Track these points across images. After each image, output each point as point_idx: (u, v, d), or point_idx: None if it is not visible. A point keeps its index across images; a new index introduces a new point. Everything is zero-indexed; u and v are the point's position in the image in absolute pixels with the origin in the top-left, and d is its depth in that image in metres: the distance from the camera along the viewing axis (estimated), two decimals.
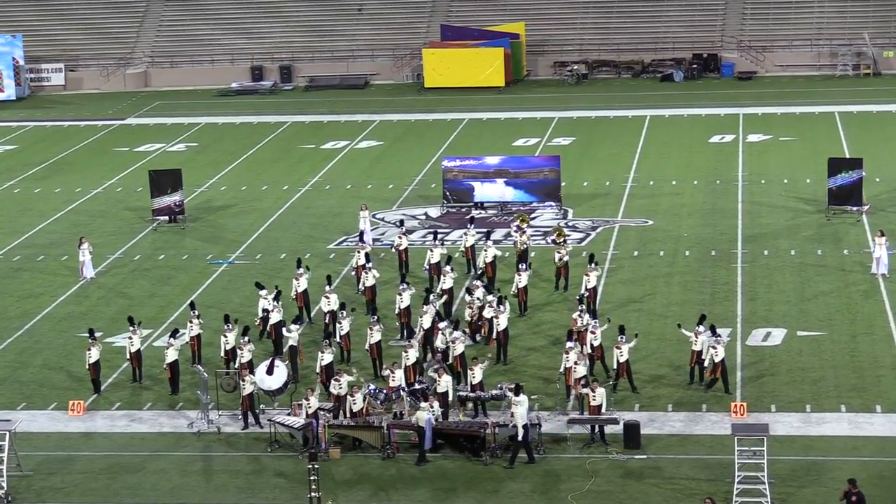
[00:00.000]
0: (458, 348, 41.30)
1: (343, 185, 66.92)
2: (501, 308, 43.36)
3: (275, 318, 44.26)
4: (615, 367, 40.51)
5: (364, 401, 38.47)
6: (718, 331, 41.09)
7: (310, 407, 37.89)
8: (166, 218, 60.90)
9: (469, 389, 39.37)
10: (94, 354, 41.94)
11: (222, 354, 42.71)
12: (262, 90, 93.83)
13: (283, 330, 43.18)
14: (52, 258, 56.65)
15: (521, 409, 36.62)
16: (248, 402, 39.38)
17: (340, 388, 38.67)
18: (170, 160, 72.08)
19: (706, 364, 40.39)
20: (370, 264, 48.17)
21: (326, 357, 41.05)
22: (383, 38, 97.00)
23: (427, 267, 50.12)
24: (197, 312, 44.37)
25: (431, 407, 37.50)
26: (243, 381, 39.31)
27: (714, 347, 40.08)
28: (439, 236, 52.59)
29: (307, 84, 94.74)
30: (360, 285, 48.07)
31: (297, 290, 47.22)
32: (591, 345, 41.30)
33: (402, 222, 54.86)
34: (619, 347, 40.33)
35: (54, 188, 68.69)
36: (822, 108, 79.78)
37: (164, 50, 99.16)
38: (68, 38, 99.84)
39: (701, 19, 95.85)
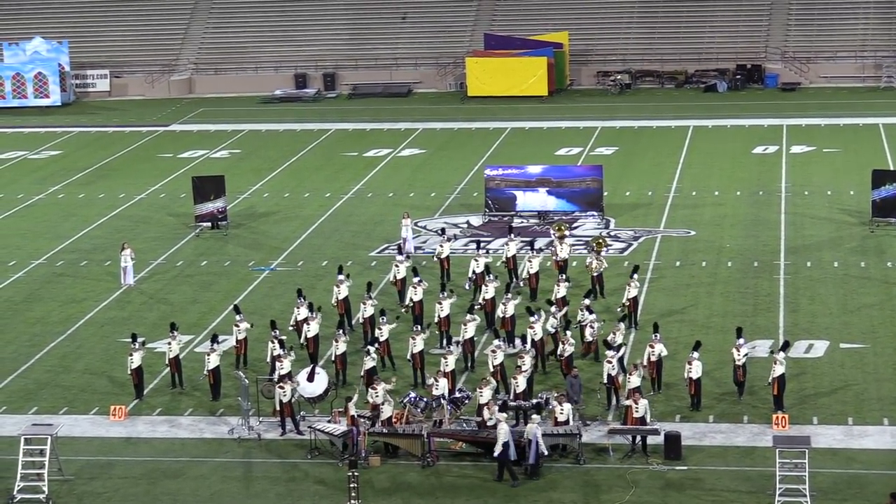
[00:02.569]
0: (499, 357, 41.28)
1: (385, 192, 67.00)
2: (535, 317, 43.25)
3: (313, 329, 44.25)
4: (686, 383, 40.29)
5: (404, 408, 38.52)
6: (782, 347, 40.67)
7: (353, 411, 38.01)
8: (209, 224, 61.10)
9: (512, 398, 39.35)
10: (136, 359, 42.12)
11: (268, 360, 42.73)
12: (306, 98, 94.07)
13: (337, 342, 42.85)
14: (95, 263, 56.93)
15: (504, 427, 36.42)
16: (290, 409, 39.44)
17: (377, 396, 38.71)
18: (213, 167, 72.38)
19: (768, 381, 40.02)
20: (418, 278, 47.71)
21: (368, 363, 41.13)
22: (426, 46, 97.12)
23: (472, 277, 49.86)
24: (242, 316, 44.53)
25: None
26: (283, 388, 39.36)
27: (775, 363, 39.68)
28: (482, 245, 52.48)
29: (350, 92, 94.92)
30: (408, 300, 47.66)
31: (337, 298, 47.25)
32: (648, 359, 41.15)
33: (443, 230, 54.84)
34: (690, 363, 40.07)
35: (98, 194, 69.06)
36: (867, 120, 79.41)
37: (209, 57, 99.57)
38: (114, 44, 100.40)
39: (745, 30, 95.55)
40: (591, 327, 43.28)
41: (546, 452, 36.47)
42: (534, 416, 37.08)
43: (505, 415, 37.07)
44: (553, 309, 44.47)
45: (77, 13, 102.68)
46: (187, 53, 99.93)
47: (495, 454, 36.21)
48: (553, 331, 43.63)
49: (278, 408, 39.51)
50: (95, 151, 79.51)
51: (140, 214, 64.71)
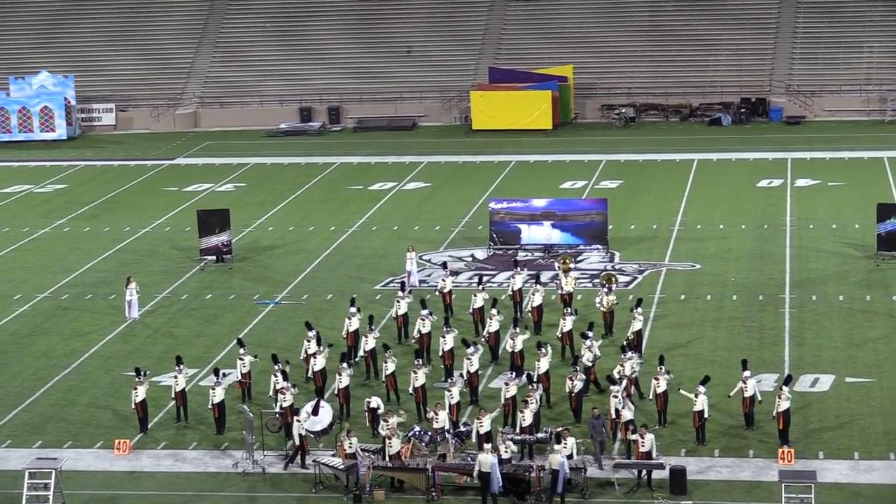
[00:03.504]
0: (511, 390, 41.21)
1: (390, 226, 67.04)
2: (542, 351, 43.21)
3: (320, 363, 44.20)
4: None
5: (409, 442, 38.44)
6: (785, 381, 40.55)
7: (350, 447, 37.92)
8: (214, 257, 61.14)
9: (518, 432, 39.26)
10: (140, 393, 42.08)
11: (271, 394, 42.69)
12: (311, 131, 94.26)
13: (342, 375, 42.78)
14: (100, 297, 56.94)
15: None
16: (306, 443, 39.33)
17: (389, 428, 38.60)
18: (218, 200, 72.45)
19: (773, 414, 39.93)
20: (426, 311, 47.58)
21: (374, 399, 41.06)
22: (431, 80, 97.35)
23: (471, 313, 49.91)
24: (245, 349, 44.56)
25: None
26: (299, 422, 39.28)
27: (779, 397, 39.65)
28: (483, 280, 52.39)
29: (355, 125, 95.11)
30: (416, 332, 47.65)
31: (348, 330, 47.26)
32: (654, 392, 41.09)
33: (445, 265, 54.73)
34: (696, 396, 39.97)
35: (103, 227, 69.12)
36: (871, 154, 79.44)
37: (214, 91, 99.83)
38: (119, 78, 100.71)
39: (749, 64, 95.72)
40: (633, 368, 42.89)
41: (569, 479, 36.41)
42: (556, 447, 36.96)
43: (490, 446, 37.02)
44: (630, 354, 43.61)
45: (83, 48, 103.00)
46: (192, 87, 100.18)
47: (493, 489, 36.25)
48: (635, 372, 43.19)
49: (297, 441, 39.36)
50: (101, 185, 79.63)
51: (145, 248, 64.75)
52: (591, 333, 44.72)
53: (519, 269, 52.77)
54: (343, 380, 42.59)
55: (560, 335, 46.96)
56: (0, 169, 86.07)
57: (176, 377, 42.81)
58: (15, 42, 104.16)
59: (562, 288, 51.33)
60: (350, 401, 42.70)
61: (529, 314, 50.23)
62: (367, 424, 40.87)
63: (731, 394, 41.10)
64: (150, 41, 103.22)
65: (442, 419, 39.23)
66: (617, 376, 41.76)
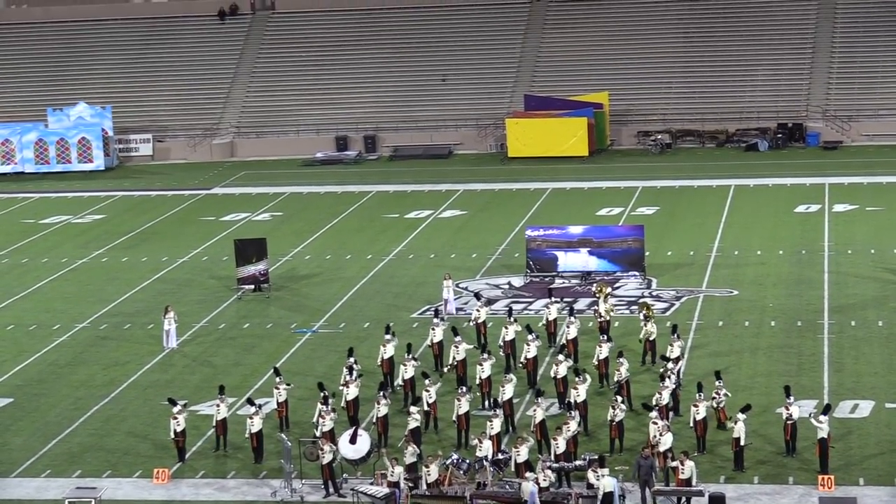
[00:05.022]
0: (539, 416, 41.11)
1: (426, 254, 67.09)
2: (579, 379, 43.05)
3: (352, 392, 44.16)
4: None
5: (447, 470, 38.38)
6: (823, 410, 40.34)
7: (393, 475, 37.88)
8: (251, 287, 61.31)
9: (553, 459, 39.16)
10: (180, 422, 42.16)
11: (314, 420, 42.56)
12: (347, 160, 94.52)
13: (380, 404, 42.72)
14: (138, 326, 57.16)
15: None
16: (329, 471, 39.38)
17: (392, 465, 38.40)
18: (255, 229, 72.67)
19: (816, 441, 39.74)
20: (459, 338, 47.58)
21: (411, 423, 41.03)
22: (467, 108, 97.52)
23: (501, 345, 49.50)
24: (281, 378, 44.63)
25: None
26: (322, 450, 39.34)
27: (818, 428, 39.39)
28: (512, 312, 51.92)
29: (391, 154, 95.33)
30: (451, 359, 47.58)
31: (382, 357, 47.24)
32: (694, 418, 40.93)
33: (478, 295, 54.40)
34: (735, 422, 39.81)
35: (141, 257, 69.42)
36: None
37: (251, 121, 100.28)
38: (156, 109, 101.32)
39: (786, 89, 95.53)
40: (717, 394, 42.63)
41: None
42: (602, 470, 36.78)
43: (532, 474, 36.95)
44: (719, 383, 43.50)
45: (120, 79, 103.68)
46: (229, 117, 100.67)
47: None
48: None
49: (322, 468, 39.40)
50: (138, 215, 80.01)
51: (182, 277, 64.99)
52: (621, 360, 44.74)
53: (553, 298, 52.56)
54: (381, 409, 42.57)
55: (596, 362, 46.82)
56: (39, 200, 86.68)
57: (218, 406, 42.91)
58: (53, 74, 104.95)
59: (600, 315, 51.17)
60: (388, 429, 42.68)
61: (563, 346, 49.77)
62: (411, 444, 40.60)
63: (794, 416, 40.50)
64: (186, 72, 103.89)
65: (486, 448, 39.11)
66: (654, 403, 41.66)
